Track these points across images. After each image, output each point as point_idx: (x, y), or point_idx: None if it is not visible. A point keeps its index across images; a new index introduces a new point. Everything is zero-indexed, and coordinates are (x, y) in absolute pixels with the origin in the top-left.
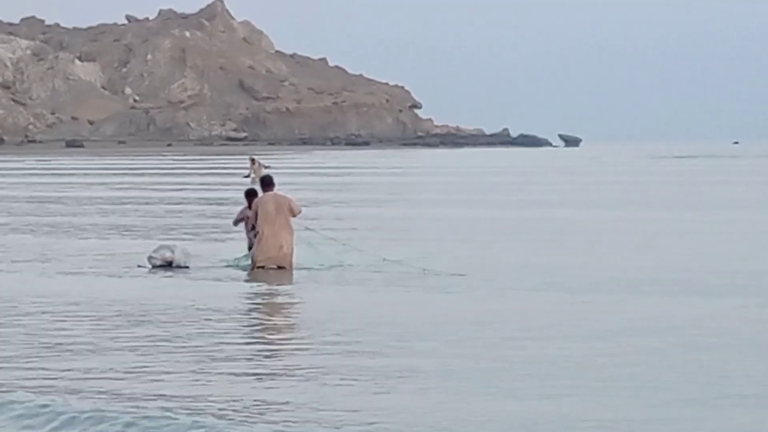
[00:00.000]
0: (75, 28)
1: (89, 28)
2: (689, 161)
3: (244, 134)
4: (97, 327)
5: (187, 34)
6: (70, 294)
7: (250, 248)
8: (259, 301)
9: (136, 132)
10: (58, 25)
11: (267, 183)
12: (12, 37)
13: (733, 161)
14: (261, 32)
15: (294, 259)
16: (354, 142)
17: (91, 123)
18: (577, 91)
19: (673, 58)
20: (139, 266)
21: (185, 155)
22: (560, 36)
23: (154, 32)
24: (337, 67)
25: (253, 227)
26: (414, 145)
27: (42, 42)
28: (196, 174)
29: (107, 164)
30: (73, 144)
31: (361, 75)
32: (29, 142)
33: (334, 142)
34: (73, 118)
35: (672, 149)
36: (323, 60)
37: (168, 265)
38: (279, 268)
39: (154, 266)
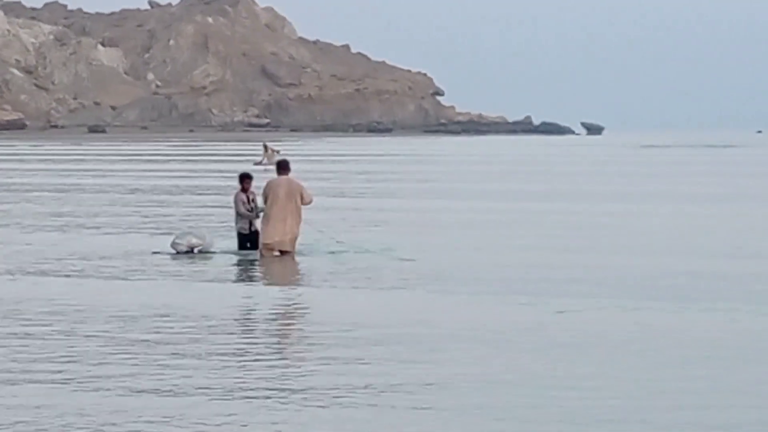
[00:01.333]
0: (98, 14)
1: (112, 13)
2: (677, 151)
3: (266, 120)
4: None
5: (210, 20)
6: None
7: (240, 235)
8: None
9: (159, 118)
10: (80, 10)
11: (283, 167)
12: (35, 22)
13: (732, 150)
14: (284, 18)
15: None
16: (376, 129)
17: (113, 108)
18: (601, 79)
19: (702, 47)
20: (154, 253)
21: (208, 141)
22: (585, 22)
23: (177, 18)
24: (359, 53)
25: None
26: (436, 132)
27: (65, 27)
28: (207, 161)
29: (131, 150)
30: (95, 129)
31: (383, 62)
32: (51, 127)
33: (356, 129)
34: (96, 103)
35: (690, 138)
36: (346, 46)
37: (190, 251)
38: (283, 252)
39: (179, 252)
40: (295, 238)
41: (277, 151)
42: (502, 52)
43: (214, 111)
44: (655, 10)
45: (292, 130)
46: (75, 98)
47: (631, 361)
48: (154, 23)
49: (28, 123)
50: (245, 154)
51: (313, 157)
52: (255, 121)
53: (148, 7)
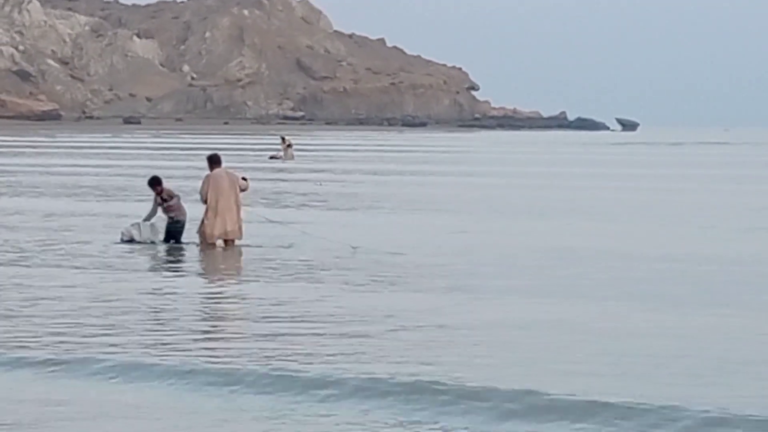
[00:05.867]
0: (134, 5)
1: (148, 5)
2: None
3: (301, 113)
4: None
5: (246, 12)
6: None
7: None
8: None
9: (194, 110)
10: (117, 1)
11: (215, 160)
12: (71, 13)
13: (720, 148)
14: (319, 12)
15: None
16: (411, 123)
17: (148, 100)
18: (636, 75)
19: (739, 45)
20: (117, 242)
21: (242, 133)
22: (622, 19)
23: (213, 10)
24: (395, 47)
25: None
26: (471, 127)
27: (101, 18)
28: (240, 156)
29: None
30: (130, 121)
31: (418, 56)
32: (87, 118)
33: (391, 123)
34: (131, 94)
35: (712, 136)
36: (381, 40)
37: (131, 241)
38: (228, 242)
39: (123, 241)
40: (241, 227)
41: (290, 145)
42: (538, 47)
43: (249, 103)
44: (690, 7)
45: (326, 124)
46: (110, 89)
47: None
48: (190, 15)
49: (63, 114)
50: (276, 147)
51: (364, 150)
52: (290, 114)
53: (184, 0)
